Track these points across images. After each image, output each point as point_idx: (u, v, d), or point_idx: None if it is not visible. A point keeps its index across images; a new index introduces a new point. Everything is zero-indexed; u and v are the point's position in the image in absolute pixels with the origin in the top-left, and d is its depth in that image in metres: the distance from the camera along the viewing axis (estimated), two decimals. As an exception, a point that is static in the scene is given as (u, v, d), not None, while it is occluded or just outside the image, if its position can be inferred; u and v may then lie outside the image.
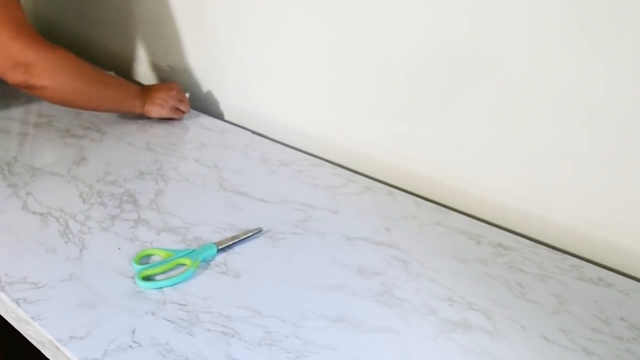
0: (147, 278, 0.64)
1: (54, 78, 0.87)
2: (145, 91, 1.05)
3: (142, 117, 1.06)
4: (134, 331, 0.56)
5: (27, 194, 0.79)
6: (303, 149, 1.02)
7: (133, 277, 0.64)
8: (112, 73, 1.15)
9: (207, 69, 1.16)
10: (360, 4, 0.87)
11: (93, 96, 0.95)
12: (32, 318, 0.57)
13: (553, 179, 0.77)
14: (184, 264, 0.67)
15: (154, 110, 1.05)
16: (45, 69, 0.86)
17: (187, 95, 1.13)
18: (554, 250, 0.78)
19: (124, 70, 1.34)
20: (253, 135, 1.07)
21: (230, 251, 0.71)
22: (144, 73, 1.30)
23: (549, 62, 0.72)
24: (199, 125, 1.09)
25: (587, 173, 0.74)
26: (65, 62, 0.89)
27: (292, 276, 0.67)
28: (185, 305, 0.61)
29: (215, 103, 1.17)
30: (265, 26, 1.01)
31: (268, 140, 1.05)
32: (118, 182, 0.84)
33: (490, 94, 0.78)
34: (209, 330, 0.58)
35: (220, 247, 0.70)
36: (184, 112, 1.09)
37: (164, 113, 1.06)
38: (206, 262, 0.68)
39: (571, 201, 0.77)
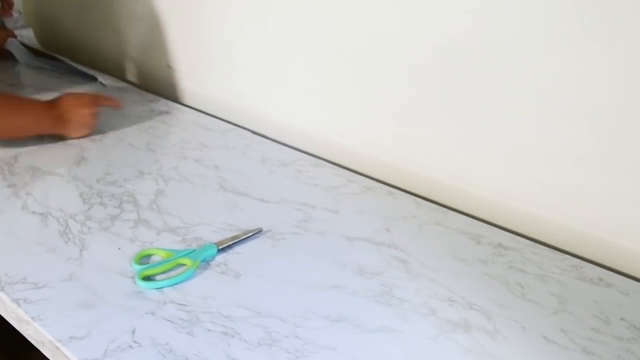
0: (147, 278, 0.64)
1: None
2: (57, 113, 0.93)
3: (136, 113, 1.06)
4: (134, 331, 0.56)
5: (27, 194, 0.79)
6: (303, 149, 1.02)
7: (133, 277, 0.64)
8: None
9: (205, 68, 1.16)
10: (361, 4, 0.87)
11: (14, 128, 0.89)
12: (32, 318, 0.57)
13: (553, 179, 0.77)
14: (184, 264, 0.67)
15: (75, 132, 0.95)
16: None
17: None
18: (554, 250, 0.78)
19: (123, 71, 1.34)
20: (253, 135, 1.07)
21: (230, 251, 0.71)
22: (144, 73, 1.30)
23: (550, 62, 0.72)
24: (199, 125, 1.09)
25: (588, 173, 0.74)
26: None
27: (292, 276, 0.67)
28: (185, 305, 0.61)
29: (213, 102, 1.17)
30: (265, 26, 1.01)
31: (268, 140, 1.05)
32: (118, 182, 0.84)
33: (491, 94, 0.78)
34: (209, 330, 0.58)
35: (220, 247, 0.70)
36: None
37: (87, 131, 0.97)
38: (206, 262, 0.68)
39: (571, 201, 0.77)
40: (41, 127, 0.93)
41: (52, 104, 0.94)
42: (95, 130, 0.99)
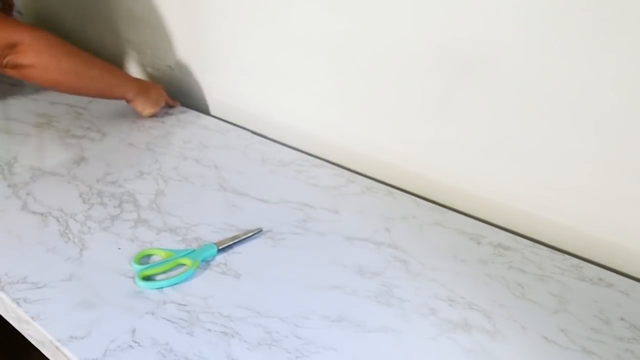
0: (147, 278, 0.64)
1: (41, 55, 0.88)
2: (142, 84, 1.06)
3: (136, 113, 1.08)
4: (134, 331, 0.56)
5: (27, 194, 0.79)
6: (303, 149, 1.02)
7: (133, 277, 0.64)
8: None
9: (206, 69, 1.16)
10: (362, 5, 0.87)
11: (82, 74, 0.94)
12: (32, 318, 0.57)
13: (553, 179, 0.77)
14: (184, 264, 0.67)
15: (148, 106, 1.07)
16: (31, 45, 0.86)
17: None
18: (554, 250, 0.78)
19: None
20: (253, 135, 1.07)
21: (230, 251, 0.71)
22: (144, 73, 1.30)
23: (549, 62, 0.72)
24: (199, 125, 1.09)
25: (587, 173, 0.74)
26: (50, 40, 0.90)
27: (292, 276, 0.67)
28: (185, 305, 0.61)
29: (213, 102, 1.17)
30: (266, 27, 1.01)
31: (268, 140, 1.05)
32: (118, 182, 0.84)
33: (490, 94, 0.79)
34: (209, 330, 0.58)
35: (220, 247, 0.70)
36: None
37: (154, 112, 1.09)
38: (206, 262, 0.68)
39: (571, 201, 0.77)
40: (124, 90, 1.03)
41: (140, 79, 1.08)
42: (159, 114, 1.11)
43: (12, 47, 0.85)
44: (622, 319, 0.65)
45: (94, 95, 1.03)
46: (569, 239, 0.79)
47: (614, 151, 0.71)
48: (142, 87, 1.06)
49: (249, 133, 1.08)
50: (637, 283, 0.73)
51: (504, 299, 0.67)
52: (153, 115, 1.10)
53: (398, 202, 0.87)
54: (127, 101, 1.06)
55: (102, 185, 0.83)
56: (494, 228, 0.82)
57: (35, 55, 0.87)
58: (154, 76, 1.27)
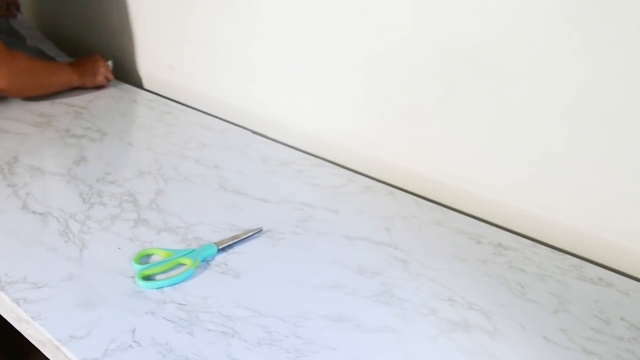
0: (147, 278, 0.64)
1: (12, 81, 1.00)
2: (76, 66, 1.17)
3: (136, 113, 1.06)
4: (134, 331, 0.56)
5: (27, 193, 0.79)
6: (303, 149, 1.02)
7: (133, 277, 0.64)
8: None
9: (206, 68, 1.16)
10: (361, 4, 0.87)
11: (43, 85, 1.10)
12: (32, 318, 0.57)
13: (553, 178, 0.77)
14: (184, 264, 0.67)
15: (89, 81, 1.18)
16: (5, 76, 0.98)
17: (110, 63, 1.24)
18: (554, 250, 0.78)
19: (123, 71, 1.34)
20: (253, 135, 1.07)
21: (230, 251, 0.71)
22: (144, 73, 1.30)
23: (549, 62, 0.72)
24: (199, 125, 1.09)
25: (588, 173, 0.74)
26: (21, 66, 1.02)
27: (292, 276, 0.67)
28: (185, 305, 0.61)
29: (213, 101, 1.17)
30: (266, 26, 1.01)
31: (268, 140, 1.05)
32: (118, 182, 0.84)
33: (490, 94, 0.79)
34: (209, 330, 0.58)
35: (220, 247, 0.70)
36: (109, 80, 1.23)
37: (98, 81, 1.19)
38: (206, 262, 0.68)
39: (571, 201, 0.77)
40: (70, 81, 1.15)
41: (72, 62, 1.19)
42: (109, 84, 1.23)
43: None
44: (622, 319, 0.65)
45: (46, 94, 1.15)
46: (569, 239, 0.79)
47: (615, 151, 0.71)
48: (79, 69, 1.16)
49: (249, 132, 1.08)
50: (637, 283, 0.73)
51: (504, 298, 0.67)
52: (101, 84, 1.20)
53: (398, 201, 0.87)
54: (78, 87, 1.16)
55: (102, 185, 0.83)
56: (494, 228, 0.82)
57: (6, 82, 0.99)
58: (154, 76, 1.28)
